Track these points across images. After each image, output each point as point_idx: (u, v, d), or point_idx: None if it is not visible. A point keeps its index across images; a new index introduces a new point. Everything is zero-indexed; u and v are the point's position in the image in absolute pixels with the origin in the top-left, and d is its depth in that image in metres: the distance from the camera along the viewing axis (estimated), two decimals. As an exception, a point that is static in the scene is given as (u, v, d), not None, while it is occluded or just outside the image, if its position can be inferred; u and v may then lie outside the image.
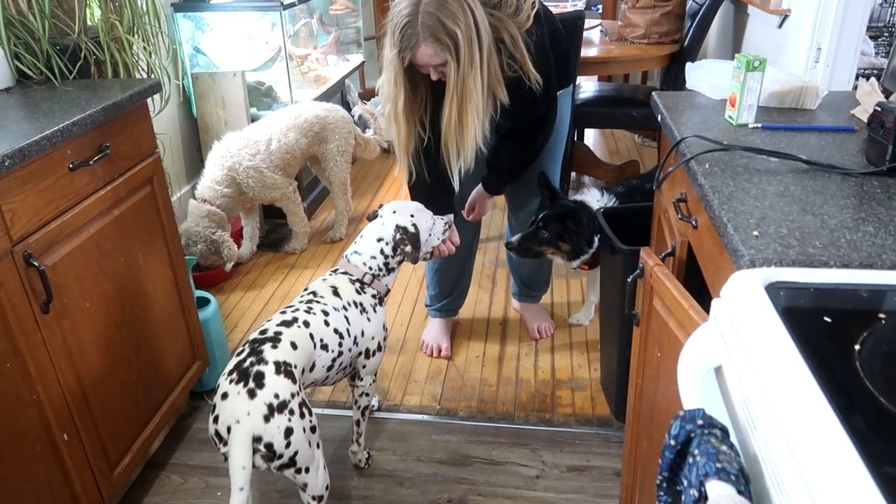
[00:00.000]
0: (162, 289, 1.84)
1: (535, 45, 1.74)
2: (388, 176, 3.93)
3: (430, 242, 1.85)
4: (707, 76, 1.57)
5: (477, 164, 1.86)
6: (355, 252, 1.75)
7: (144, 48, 2.04)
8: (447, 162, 1.79)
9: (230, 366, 1.42)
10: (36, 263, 1.34)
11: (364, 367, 1.73)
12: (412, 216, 1.78)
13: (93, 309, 1.55)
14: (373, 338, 1.71)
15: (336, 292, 1.66)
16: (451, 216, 1.96)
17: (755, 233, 0.94)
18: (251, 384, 1.35)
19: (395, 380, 2.23)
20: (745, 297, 0.81)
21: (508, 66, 1.72)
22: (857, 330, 0.75)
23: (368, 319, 1.69)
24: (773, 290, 0.82)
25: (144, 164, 1.74)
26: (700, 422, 0.72)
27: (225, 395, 1.36)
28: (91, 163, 1.51)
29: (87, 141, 1.51)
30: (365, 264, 1.73)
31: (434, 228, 1.85)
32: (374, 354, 1.73)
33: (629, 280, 1.35)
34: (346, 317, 1.63)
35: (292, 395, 1.36)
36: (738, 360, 0.77)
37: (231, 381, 1.37)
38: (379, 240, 1.75)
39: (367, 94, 4.41)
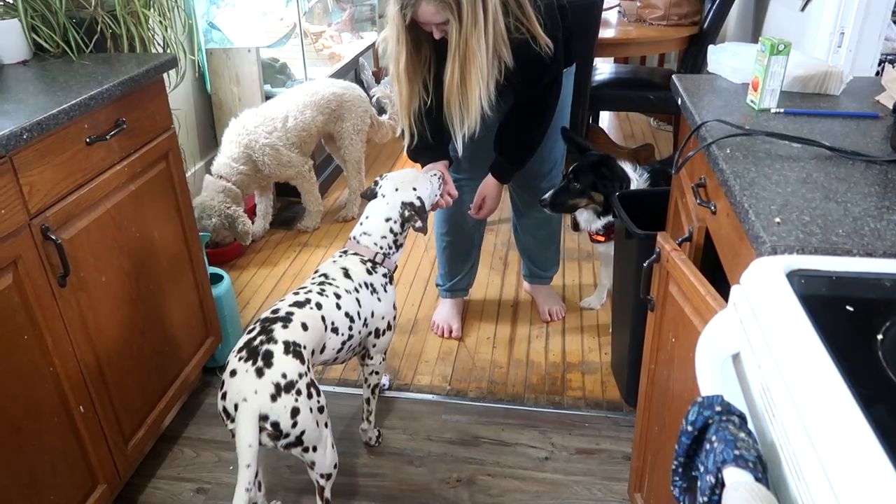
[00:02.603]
0: (176, 264, 1.85)
1: (545, 8, 1.71)
2: (400, 156, 3.91)
3: (430, 200, 1.85)
4: (729, 59, 1.54)
5: (486, 132, 1.82)
6: (365, 233, 1.74)
7: (160, 22, 2.03)
8: (451, 126, 1.77)
9: (240, 343, 1.43)
10: (53, 237, 1.35)
11: (374, 346, 1.74)
12: (414, 189, 1.78)
13: (108, 283, 1.56)
14: (383, 317, 1.72)
15: (347, 274, 1.67)
16: (445, 164, 1.94)
17: (777, 219, 0.92)
18: (259, 363, 1.36)
19: (405, 359, 2.24)
20: (766, 285, 0.81)
21: (516, 29, 1.69)
22: (879, 320, 0.74)
23: (379, 300, 1.70)
24: (795, 277, 0.81)
25: (160, 140, 1.74)
26: (718, 408, 0.72)
27: (234, 373, 1.37)
28: (108, 137, 1.51)
29: (104, 115, 1.51)
30: (376, 244, 1.73)
31: (432, 188, 1.84)
32: (383, 334, 1.74)
33: (645, 265, 1.34)
34: (357, 299, 1.64)
35: (300, 376, 1.37)
36: (758, 348, 0.77)
37: (240, 359, 1.38)
38: (387, 219, 1.74)
39: (381, 73, 4.38)
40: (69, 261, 1.39)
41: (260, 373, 1.35)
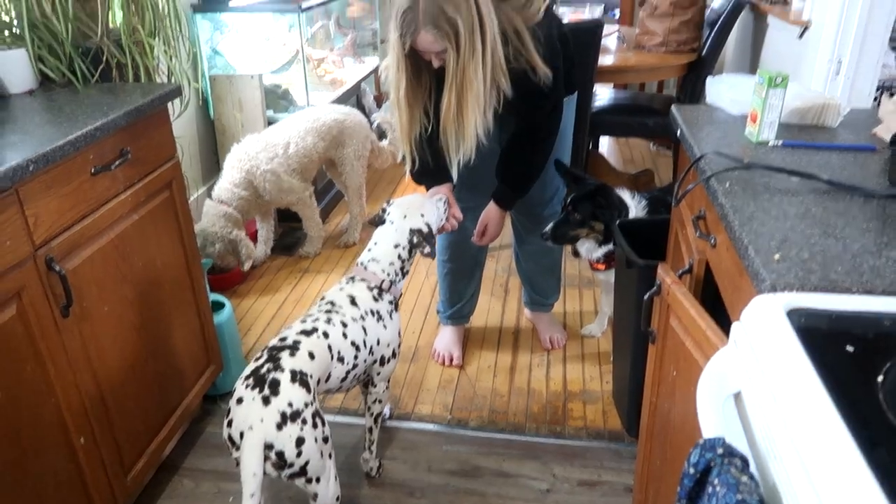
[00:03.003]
0: (178, 292, 1.85)
1: (545, 38, 1.73)
2: (401, 181, 3.93)
3: (437, 225, 1.87)
4: (727, 91, 1.56)
5: (481, 160, 1.84)
6: (373, 259, 1.75)
7: (165, 52, 2.05)
8: (447, 152, 1.79)
9: (247, 371, 1.43)
10: (57, 268, 1.35)
11: (378, 373, 1.74)
12: (422, 215, 1.79)
13: (111, 312, 1.56)
14: (388, 345, 1.72)
15: (354, 301, 1.67)
16: (449, 186, 1.96)
17: (776, 256, 0.93)
18: (266, 391, 1.36)
19: (406, 388, 2.24)
20: (766, 323, 0.81)
21: (515, 59, 1.71)
22: (880, 360, 0.74)
23: (385, 327, 1.71)
24: (795, 315, 0.82)
25: (164, 169, 1.75)
26: (720, 451, 0.72)
27: (240, 400, 1.37)
28: (112, 167, 1.52)
29: (109, 145, 1.53)
30: (383, 271, 1.74)
31: (438, 213, 1.86)
32: (388, 361, 1.74)
33: (646, 297, 1.35)
34: (363, 327, 1.64)
35: (306, 405, 1.37)
36: (759, 388, 0.77)
37: (247, 387, 1.38)
38: (396, 246, 1.76)
39: (382, 98, 4.42)
40: (72, 291, 1.40)
41: (266, 401, 1.35)
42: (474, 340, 2.48)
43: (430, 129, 1.81)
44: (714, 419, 0.81)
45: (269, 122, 3.08)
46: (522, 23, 1.69)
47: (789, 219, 1.04)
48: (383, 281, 1.73)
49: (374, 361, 1.71)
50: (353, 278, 1.75)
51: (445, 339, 2.39)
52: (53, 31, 1.75)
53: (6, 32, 1.77)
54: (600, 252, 2.16)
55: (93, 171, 1.47)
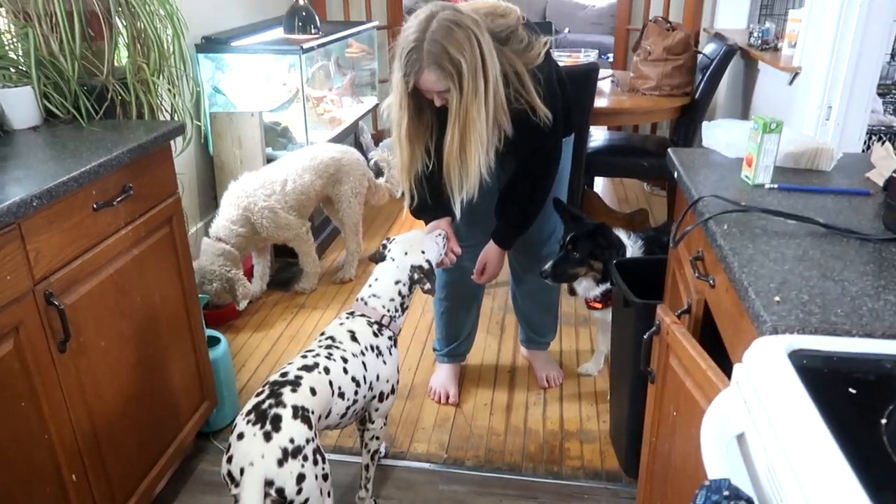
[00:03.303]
0: (175, 328, 1.85)
1: (545, 80, 1.77)
2: (397, 217, 3.96)
3: (436, 261, 1.89)
4: (723, 135, 1.59)
5: (481, 198, 1.85)
6: (373, 295, 1.77)
7: (169, 90, 2.08)
8: (450, 191, 1.80)
9: (248, 406, 1.43)
10: (56, 303, 1.35)
11: (377, 409, 1.73)
12: (423, 252, 1.82)
13: (108, 348, 1.55)
14: (387, 381, 1.72)
15: (354, 337, 1.68)
16: (448, 220, 1.98)
17: (776, 298, 0.94)
18: (268, 426, 1.35)
19: (402, 426, 2.22)
20: (768, 365, 0.82)
21: (515, 99, 1.74)
22: (882, 403, 0.75)
23: (384, 363, 1.71)
24: (797, 357, 0.82)
25: (165, 205, 1.76)
26: (726, 492, 0.72)
27: (241, 436, 1.36)
28: (114, 203, 1.53)
29: (112, 182, 1.54)
30: (384, 307, 1.75)
31: (438, 249, 1.89)
32: (387, 397, 1.74)
33: (645, 337, 1.35)
34: (363, 363, 1.65)
35: (307, 441, 1.36)
36: (762, 429, 0.77)
37: (248, 422, 1.38)
38: (397, 282, 1.78)
39: (380, 136, 4.47)
40: (70, 326, 1.39)
41: (268, 437, 1.34)
42: (470, 378, 2.47)
43: (430, 167, 1.83)
44: (719, 460, 0.81)
45: (268, 160, 3.10)
46: (523, 65, 1.73)
47: (788, 261, 1.06)
48: (383, 316, 1.74)
49: (374, 397, 1.70)
50: (353, 313, 1.75)
51: (441, 377, 2.38)
52: (60, 69, 1.78)
53: (12, 70, 1.79)
54: (598, 291, 2.17)
55: (95, 206, 1.48)
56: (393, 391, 1.75)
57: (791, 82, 2.78)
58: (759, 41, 3.24)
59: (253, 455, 1.32)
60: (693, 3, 4.02)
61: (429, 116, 1.78)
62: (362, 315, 1.74)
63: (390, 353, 1.74)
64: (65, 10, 1.75)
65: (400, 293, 1.77)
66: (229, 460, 1.35)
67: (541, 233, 2.17)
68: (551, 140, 1.88)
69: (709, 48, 3.38)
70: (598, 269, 2.14)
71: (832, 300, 0.94)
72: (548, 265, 2.13)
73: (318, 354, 1.58)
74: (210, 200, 3.25)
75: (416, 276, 1.78)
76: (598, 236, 2.11)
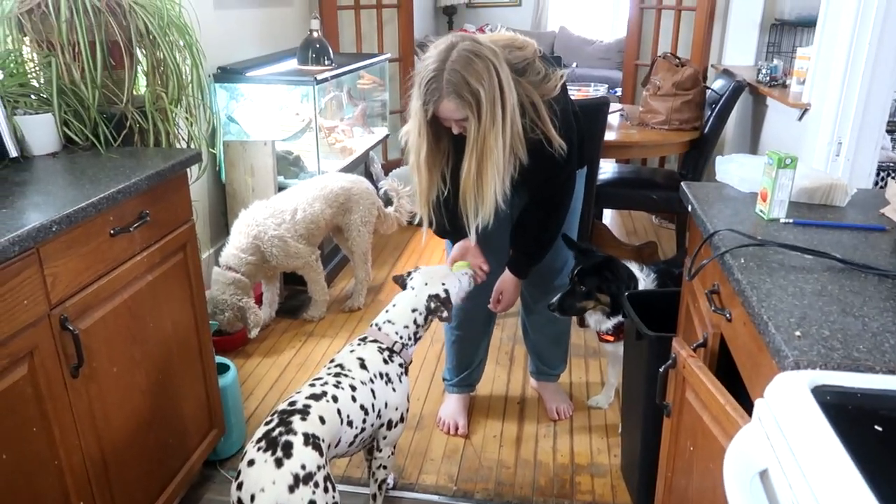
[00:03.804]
0: (186, 355, 1.84)
1: (561, 112, 1.79)
2: (406, 246, 3.97)
3: (458, 296, 1.90)
4: (737, 169, 1.60)
5: (495, 227, 1.87)
6: (388, 321, 1.79)
7: (186, 119, 2.11)
8: (465, 217, 1.82)
9: (258, 434, 1.42)
10: (71, 327, 1.35)
11: (385, 437, 1.72)
12: (443, 284, 1.84)
13: (119, 374, 1.55)
14: (396, 409, 1.72)
15: (363, 364, 1.68)
16: (469, 271, 1.99)
17: (797, 333, 0.94)
18: (279, 453, 1.35)
19: (410, 457, 2.19)
20: (791, 400, 0.81)
21: (531, 129, 1.76)
22: (909, 441, 0.74)
23: (394, 390, 1.71)
24: (820, 393, 0.82)
25: (180, 231, 1.77)
26: (752, 531, 0.71)
27: (251, 463, 1.36)
28: (131, 229, 1.54)
29: (129, 208, 1.55)
30: (397, 333, 1.77)
31: (461, 286, 1.90)
32: (395, 426, 1.73)
33: (661, 370, 1.34)
34: (372, 390, 1.65)
35: (318, 468, 1.36)
36: (787, 466, 0.76)
37: (259, 449, 1.37)
38: (413, 310, 1.80)
39: (390, 166, 4.50)
40: (84, 351, 1.39)
41: (279, 463, 1.34)
42: (479, 409, 2.44)
43: (446, 193, 1.86)
44: (742, 497, 0.80)
45: (280, 188, 3.12)
46: (539, 96, 1.75)
47: (806, 296, 1.05)
48: (395, 343, 1.75)
49: (382, 425, 1.69)
50: (365, 339, 1.77)
51: (451, 408, 2.36)
52: (81, 97, 1.81)
53: (34, 97, 1.82)
54: (609, 324, 2.16)
55: (112, 232, 1.49)
56: (402, 419, 1.75)
57: (800, 118, 2.80)
58: (768, 77, 3.28)
59: (264, 481, 1.32)
60: (701, 40, 4.07)
61: (446, 144, 1.81)
62: (374, 341, 1.75)
63: (400, 381, 1.74)
64: (88, 39, 1.78)
65: (415, 321, 1.79)
66: (239, 487, 1.34)
67: (553, 263, 2.18)
68: (566, 170, 1.90)
69: (717, 84, 3.41)
70: (605, 302, 2.13)
71: (853, 336, 0.93)
72: (555, 298, 2.13)
73: (325, 383, 1.58)
74: (221, 228, 3.27)
75: (432, 304, 1.80)
76: (605, 270, 2.11)
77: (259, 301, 3.05)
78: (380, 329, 1.77)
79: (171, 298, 1.76)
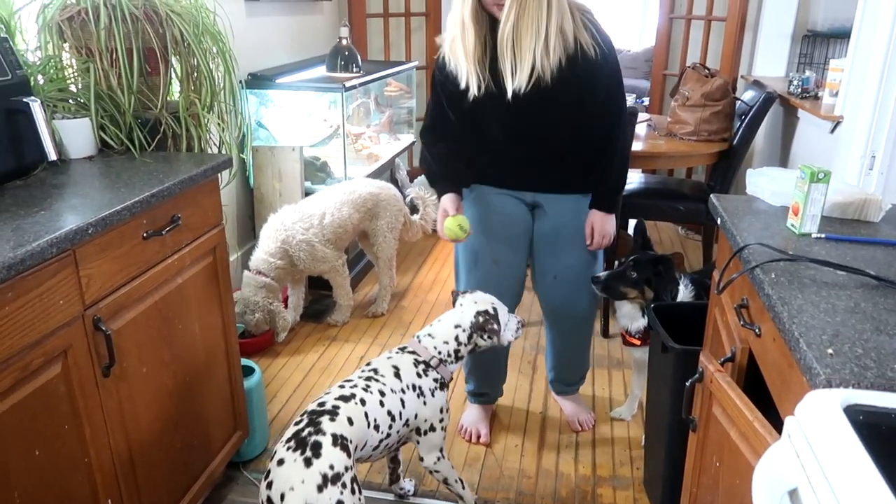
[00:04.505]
0: (213, 357, 1.87)
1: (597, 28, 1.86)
2: (430, 253, 3.98)
3: (505, 336, 1.87)
4: (768, 183, 1.58)
5: (507, 219, 1.98)
6: (429, 335, 1.80)
7: (218, 124, 2.14)
8: (503, 73, 1.80)
9: (288, 434, 1.46)
10: (104, 328, 1.38)
11: (418, 443, 1.74)
12: (493, 304, 1.84)
13: (148, 374, 1.58)
14: (426, 420, 1.73)
15: (397, 373, 1.69)
16: (458, 197, 2.05)
17: (829, 350, 0.92)
18: (308, 453, 1.38)
19: (432, 464, 2.19)
20: (823, 419, 0.80)
21: (584, 26, 1.81)
22: (945, 464, 0.73)
23: (424, 403, 1.71)
24: (853, 413, 0.81)
25: (210, 235, 1.80)
26: (782, 550, 0.70)
27: (281, 462, 1.39)
28: (163, 233, 1.57)
29: (162, 212, 1.58)
30: (436, 348, 1.77)
31: (509, 323, 1.88)
32: (427, 433, 1.74)
33: (687, 384, 1.33)
34: (402, 399, 1.66)
35: (346, 469, 1.38)
36: (818, 486, 0.75)
37: (288, 449, 1.40)
38: (456, 326, 1.80)
39: (415, 173, 4.52)
40: (115, 351, 1.42)
41: (308, 462, 1.37)
42: (501, 418, 2.44)
43: (454, 121, 1.95)
44: (772, 517, 0.79)
45: (307, 193, 3.16)
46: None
47: (839, 313, 1.04)
48: (433, 357, 1.76)
49: (410, 432, 1.71)
50: (403, 349, 1.78)
51: (473, 416, 2.36)
52: (117, 102, 1.85)
53: (72, 102, 1.86)
54: (640, 324, 2.15)
55: (144, 235, 1.52)
56: (433, 428, 1.75)
57: (833, 131, 2.76)
58: (799, 89, 3.23)
59: (293, 480, 1.35)
60: (731, 51, 4.03)
61: (486, 28, 1.81)
62: (412, 352, 1.76)
63: (433, 395, 1.74)
64: (125, 46, 1.82)
65: (457, 339, 1.78)
66: (269, 486, 1.38)
67: (579, 270, 2.15)
68: (616, 89, 1.94)
69: (747, 95, 3.38)
70: (648, 297, 2.13)
71: (888, 355, 0.92)
72: (603, 274, 2.14)
73: (355, 385, 1.61)
74: (248, 231, 3.31)
75: (480, 319, 1.79)
76: (661, 266, 2.12)
77: (285, 304, 3.08)
78: (419, 341, 1.79)
79: (200, 301, 1.78)
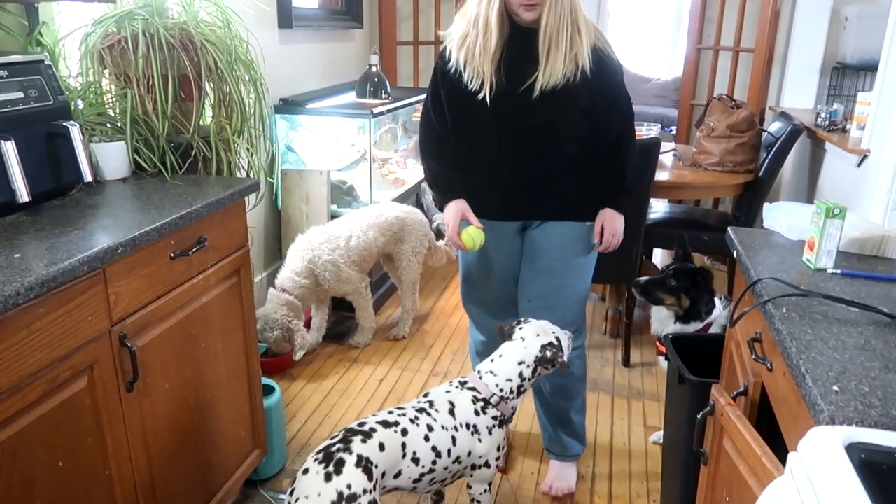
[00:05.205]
0: (234, 375, 1.91)
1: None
2: (454, 278, 4.00)
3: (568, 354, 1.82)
4: (785, 217, 1.59)
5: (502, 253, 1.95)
6: (491, 372, 1.73)
7: (247, 149, 2.21)
8: (539, 66, 1.77)
9: (321, 446, 1.50)
10: (129, 344, 1.43)
11: (472, 475, 1.73)
12: (554, 332, 1.78)
13: (170, 390, 1.62)
14: (480, 457, 1.70)
15: (452, 410, 1.68)
16: (465, 203, 1.94)
17: (835, 387, 0.93)
18: (331, 468, 1.42)
19: (447, 489, 2.19)
20: (824, 456, 0.80)
21: (597, 37, 1.83)
22: (944, 505, 0.73)
23: (479, 440, 1.68)
24: (855, 451, 0.81)
25: (235, 256, 1.85)
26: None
27: (306, 471, 1.44)
28: (190, 253, 1.63)
29: (189, 233, 1.64)
30: (497, 385, 1.72)
31: (566, 343, 1.82)
32: (481, 468, 1.72)
33: (699, 416, 1.33)
34: (453, 437, 1.64)
35: (364, 492, 1.40)
36: (817, 523, 0.76)
37: (316, 460, 1.45)
38: (520, 363, 1.73)
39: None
40: (139, 367, 1.46)
41: (328, 477, 1.41)
42: (518, 445, 2.44)
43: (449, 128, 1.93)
44: (769, 553, 0.79)
45: (333, 216, 3.22)
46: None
47: (848, 350, 1.04)
48: (493, 395, 1.71)
49: (464, 468, 1.70)
50: (464, 383, 1.74)
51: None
52: (152, 126, 1.92)
53: (109, 125, 1.94)
54: (670, 329, 2.19)
55: (172, 255, 1.58)
56: (487, 465, 1.72)
57: (859, 164, 2.74)
58: (827, 122, 3.22)
59: (310, 491, 1.39)
60: (759, 82, 4.03)
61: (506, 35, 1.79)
62: (472, 388, 1.72)
63: (489, 433, 1.70)
64: (161, 73, 1.90)
65: (521, 375, 1.72)
66: (292, 493, 1.42)
67: (558, 299, 2.02)
68: (625, 91, 1.93)
69: (774, 126, 3.37)
70: (684, 306, 2.18)
71: (894, 393, 0.92)
72: (643, 278, 2.18)
73: (404, 414, 1.61)
74: (275, 252, 3.38)
75: (548, 353, 1.72)
76: (699, 276, 2.17)
77: (308, 325, 3.13)
78: (480, 377, 1.74)
79: (223, 320, 1.83)
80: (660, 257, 4.44)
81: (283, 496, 2.11)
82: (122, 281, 1.42)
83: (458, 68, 1.84)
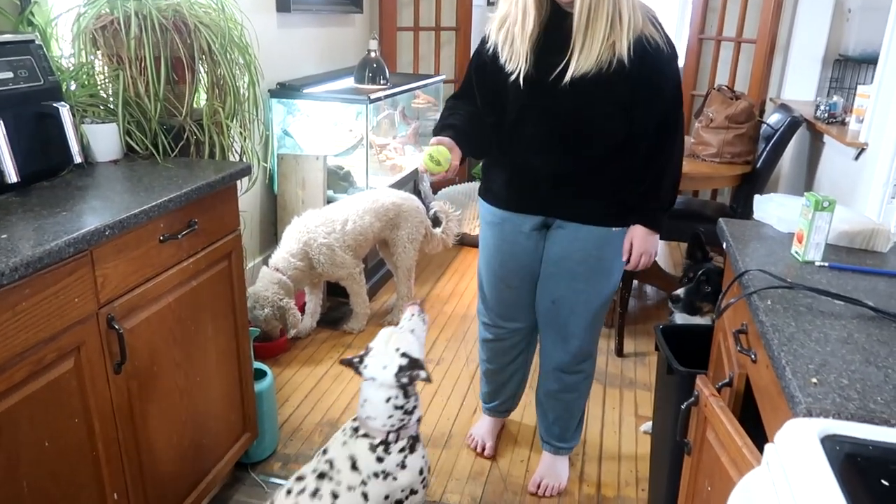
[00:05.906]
0: (224, 359, 1.91)
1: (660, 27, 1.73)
2: (450, 265, 4.00)
3: (420, 345, 1.68)
4: (776, 209, 1.58)
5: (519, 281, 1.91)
6: (369, 417, 1.61)
7: (241, 133, 2.20)
8: (572, 52, 1.65)
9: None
10: (117, 327, 1.43)
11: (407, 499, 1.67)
12: (397, 349, 1.62)
13: (159, 373, 1.63)
14: (402, 490, 1.62)
15: (354, 465, 1.59)
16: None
17: (814, 380, 0.93)
18: None
19: (436, 475, 2.21)
20: (799, 448, 0.81)
21: (651, 23, 1.69)
22: (915, 498, 0.73)
23: (395, 478, 1.60)
24: (830, 443, 0.81)
25: (226, 240, 1.85)
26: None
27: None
28: (179, 237, 1.62)
29: (179, 216, 1.63)
30: (384, 426, 1.61)
31: (416, 334, 1.69)
32: (409, 497, 1.65)
33: (683, 406, 1.33)
34: (364, 493, 1.57)
35: None
36: (788, 514, 0.76)
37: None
38: (387, 400, 1.59)
39: (438, 185, 4.56)
40: (127, 349, 1.47)
41: None
42: (510, 432, 2.45)
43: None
44: (741, 543, 0.80)
45: (329, 202, 3.21)
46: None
47: (830, 343, 1.04)
48: (388, 433, 1.61)
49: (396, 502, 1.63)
50: (356, 429, 1.64)
51: (482, 428, 2.36)
52: (144, 108, 1.91)
53: (101, 107, 1.93)
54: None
55: (161, 238, 1.57)
56: (414, 492, 1.64)
57: (856, 158, 2.73)
58: (826, 114, 3.20)
59: None
60: (760, 73, 4.01)
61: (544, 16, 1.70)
62: (365, 435, 1.61)
63: (403, 467, 1.61)
64: (154, 55, 1.89)
65: (396, 406, 1.60)
66: None
67: (579, 304, 1.98)
68: (672, 91, 1.77)
69: (773, 118, 3.35)
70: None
71: (873, 387, 0.92)
72: (681, 290, 2.11)
73: (303, 490, 1.57)
74: (270, 237, 3.38)
75: (404, 379, 1.59)
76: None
77: (302, 310, 3.13)
78: (367, 423, 1.62)
79: (213, 304, 1.83)
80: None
81: (273, 479, 2.13)
82: (109, 263, 1.42)
83: (496, 49, 1.77)
